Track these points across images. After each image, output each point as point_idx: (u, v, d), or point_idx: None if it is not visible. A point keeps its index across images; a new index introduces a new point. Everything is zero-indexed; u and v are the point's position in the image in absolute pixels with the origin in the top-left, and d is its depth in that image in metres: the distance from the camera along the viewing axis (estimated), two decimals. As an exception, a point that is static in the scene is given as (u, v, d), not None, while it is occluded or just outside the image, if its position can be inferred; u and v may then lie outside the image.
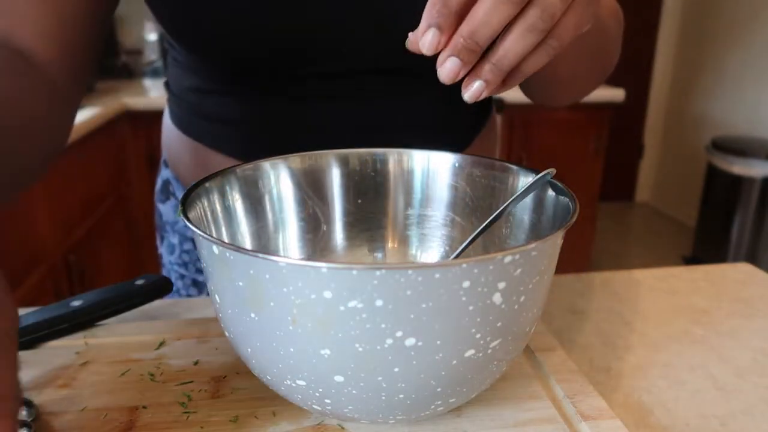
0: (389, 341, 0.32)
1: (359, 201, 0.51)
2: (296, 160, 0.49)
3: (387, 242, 0.52)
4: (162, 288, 0.54)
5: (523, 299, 0.34)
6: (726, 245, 2.78)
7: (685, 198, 3.57)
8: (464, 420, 0.40)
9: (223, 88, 0.61)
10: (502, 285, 0.32)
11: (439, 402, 0.36)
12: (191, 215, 0.39)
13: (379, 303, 0.30)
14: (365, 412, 0.36)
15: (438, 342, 0.33)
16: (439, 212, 0.51)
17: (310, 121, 0.60)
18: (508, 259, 0.32)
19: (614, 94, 2.35)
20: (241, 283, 0.34)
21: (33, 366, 0.46)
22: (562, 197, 0.41)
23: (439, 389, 0.35)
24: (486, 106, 0.71)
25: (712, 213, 2.88)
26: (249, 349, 0.37)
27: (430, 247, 0.51)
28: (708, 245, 2.92)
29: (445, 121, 0.65)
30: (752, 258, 2.72)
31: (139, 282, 0.54)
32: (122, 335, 0.50)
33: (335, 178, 0.50)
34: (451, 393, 0.36)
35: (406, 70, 0.58)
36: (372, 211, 0.51)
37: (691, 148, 3.52)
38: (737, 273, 0.70)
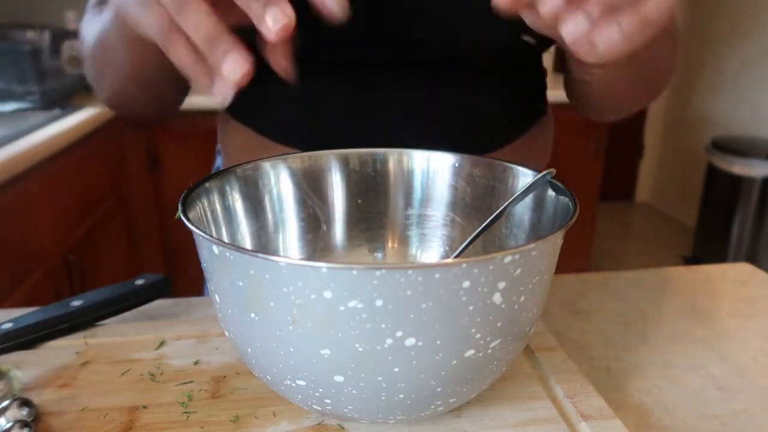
0: (389, 341, 0.32)
1: (359, 201, 0.51)
2: (296, 160, 0.49)
3: (387, 242, 0.52)
4: (162, 288, 0.54)
5: (523, 299, 0.34)
6: (726, 245, 2.78)
7: (685, 198, 3.57)
8: (464, 420, 0.40)
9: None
10: (502, 285, 0.32)
11: (439, 402, 0.36)
12: (191, 215, 0.39)
13: (379, 303, 0.31)
14: (365, 412, 0.36)
15: (438, 342, 0.33)
16: (439, 212, 0.51)
17: (373, 109, 0.60)
18: (508, 259, 0.32)
19: (614, 94, 2.35)
20: (241, 283, 0.34)
21: (33, 366, 0.46)
22: (563, 197, 0.41)
23: (439, 389, 0.35)
24: (539, 102, 0.70)
25: (712, 213, 2.88)
26: (249, 349, 0.37)
27: (430, 247, 0.51)
28: (708, 245, 2.92)
29: (502, 111, 0.64)
30: (752, 258, 2.72)
31: (139, 282, 0.54)
32: (122, 335, 0.50)
33: (335, 178, 0.51)
34: (451, 393, 0.36)
35: (472, 63, 0.59)
36: (372, 211, 0.51)
37: (691, 148, 3.52)
38: (737, 273, 0.70)
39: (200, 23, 0.34)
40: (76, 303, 0.51)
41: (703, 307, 0.62)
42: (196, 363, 0.46)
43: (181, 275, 1.13)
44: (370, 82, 0.58)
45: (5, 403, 0.39)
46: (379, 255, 0.52)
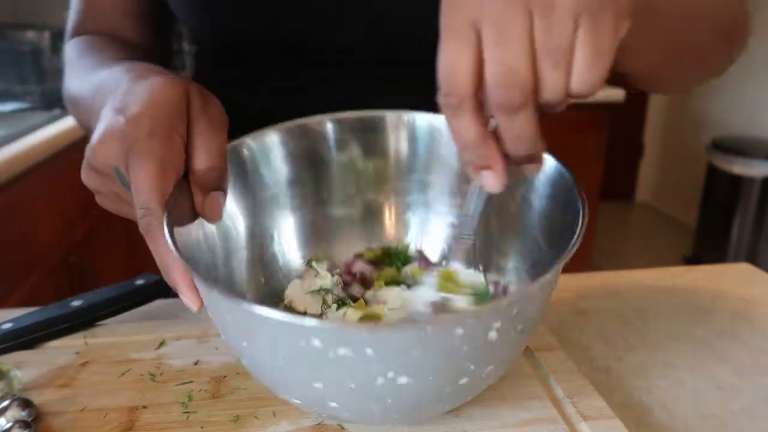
0: (381, 380, 0.32)
1: (356, 167, 0.50)
2: (287, 130, 0.48)
3: (385, 215, 0.51)
4: (162, 288, 0.54)
5: (520, 327, 0.34)
6: (726, 245, 2.78)
7: (685, 198, 3.57)
8: (464, 420, 0.40)
9: (240, 78, 0.63)
10: (497, 324, 0.32)
11: (435, 411, 0.38)
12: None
13: (369, 351, 0.30)
14: (362, 422, 0.38)
15: (430, 378, 0.33)
16: (440, 178, 0.49)
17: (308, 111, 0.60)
18: (504, 302, 0.31)
19: (614, 94, 2.35)
20: (229, 317, 0.34)
21: (33, 366, 0.46)
22: (575, 202, 0.39)
23: (433, 407, 0.36)
24: None
25: (712, 213, 2.88)
26: (245, 361, 0.37)
27: (432, 224, 0.50)
28: (708, 245, 2.91)
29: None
30: (752, 258, 2.72)
31: (139, 282, 0.54)
32: (122, 335, 0.50)
33: (327, 145, 0.49)
34: (444, 406, 0.38)
35: (406, 61, 0.59)
36: (370, 177, 0.50)
37: (691, 148, 3.52)
38: (737, 273, 0.70)
39: (158, 254, 0.38)
40: (76, 303, 0.51)
41: (703, 307, 0.62)
42: (196, 363, 0.46)
43: (181, 275, 1.12)
44: (302, 85, 0.61)
45: (5, 403, 0.39)
46: (378, 231, 0.51)
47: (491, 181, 0.34)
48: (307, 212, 0.50)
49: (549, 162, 0.42)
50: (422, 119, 0.48)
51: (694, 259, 2.98)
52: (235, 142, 0.45)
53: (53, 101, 1.79)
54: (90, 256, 1.62)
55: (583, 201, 0.38)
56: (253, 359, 0.36)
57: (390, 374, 0.31)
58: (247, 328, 0.34)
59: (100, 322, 0.52)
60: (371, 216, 0.51)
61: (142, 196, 0.37)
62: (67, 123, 1.59)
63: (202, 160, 0.40)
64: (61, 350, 0.48)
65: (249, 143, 0.46)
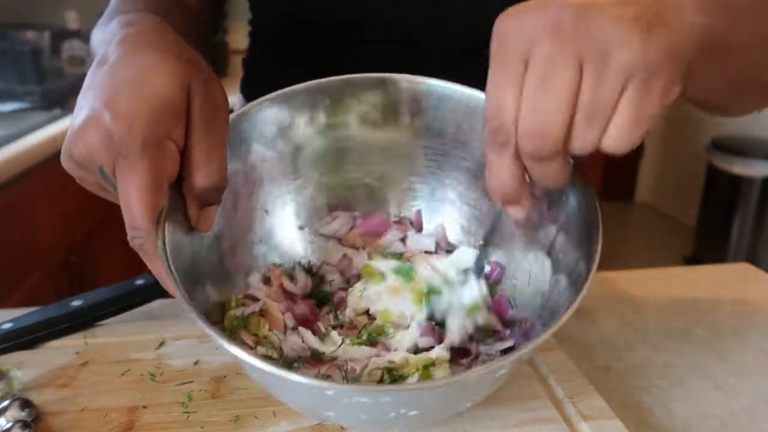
0: (393, 414, 0.34)
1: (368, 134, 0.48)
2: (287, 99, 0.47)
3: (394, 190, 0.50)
4: (162, 288, 0.54)
5: (526, 359, 0.38)
6: (726, 245, 2.77)
7: (685, 198, 3.57)
8: (464, 420, 0.40)
9: (293, 59, 0.62)
10: (502, 372, 0.35)
11: (435, 422, 0.40)
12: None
13: (386, 399, 0.32)
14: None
15: (439, 410, 0.37)
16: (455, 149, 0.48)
17: None
18: (517, 356, 0.33)
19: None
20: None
21: (33, 366, 0.46)
22: (590, 218, 0.38)
23: (434, 422, 0.40)
24: None
25: (712, 213, 2.88)
26: (256, 378, 0.40)
27: (440, 205, 0.49)
28: (708, 245, 2.91)
29: None
30: (752, 258, 2.72)
31: (139, 282, 0.54)
32: (122, 335, 0.50)
33: (347, 106, 0.48)
34: (444, 420, 0.40)
35: (465, 50, 0.57)
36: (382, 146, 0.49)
37: (691, 148, 3.52)
38: (737, 273, 0.70)
39: (154, 269, 0.38)
40: (76, 303, 0.51)
41: (703, 307, 0.62)
42: (196, 363, 0.46)
43: (181, 275, 1.12)
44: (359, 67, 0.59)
45: (5, 403, 0.39)
46: (393, 212, 0.50)
47: (517, 212, 0.34)
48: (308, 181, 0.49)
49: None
50: (439, 87, 0.46)
51: (694, 259, 2.98)
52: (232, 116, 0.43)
53: (53, 101, 1.79)
54: (90, 256, 1.62)
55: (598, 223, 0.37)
56: (265, 387, 0.39)
57: (402, 410, 0.33)
58: (257, 374, 0.36)
59: (100, 322, 0.52)
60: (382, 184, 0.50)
61: (133, 217, 0.34)
62: (67, 123, 1.58)
63: (201, 178, 0.37)
64: (61, 350, 0.48)
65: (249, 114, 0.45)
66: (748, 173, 2.66)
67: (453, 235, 0.49)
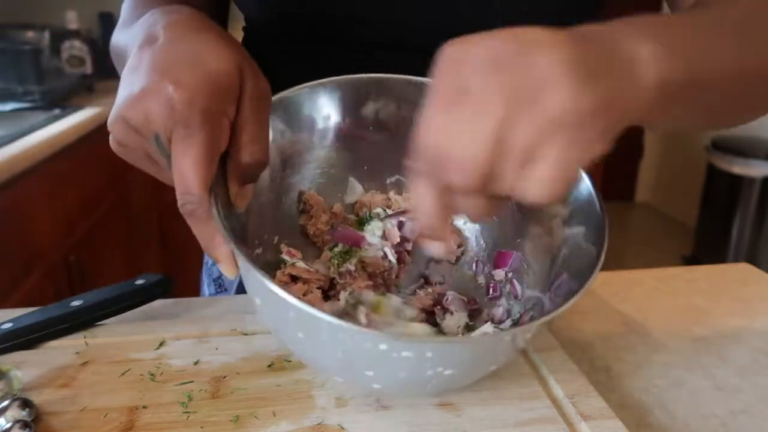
0: (430, 372, 0.35)
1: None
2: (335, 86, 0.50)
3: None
4: (162, 288, 0.54)
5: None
6: (726, 245, 2.77)
7: (685, 198, 3.57)
8: (464, 420, 0.40)
9: (286, 54, 0.63)
10: (529, 335, 0.37)
11: (460, 388, 0.42)
12: None
13: (429, 354, 0.34)
14: (394, 395, 0.42)
15: (472, 369, 0.38)
16: None
17: None
18: (544, 319, 0.35)
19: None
20: (292, 314, 0.35)
21: (33, 366, 0.46)
22: (596, 233, 0.41)
23: (461, 386, 0.42)
24: None
25: (712, 213, 2.88)
26: (291, 346, 0.40)
27: None
28: (708, 245, 2.91)
29: None
30: (752, 258, 2.72)
31: (139, 282, 0.54)
32: (122, 335, 0.50)
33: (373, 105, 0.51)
34: (469, 384, 0.42)
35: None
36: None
37: (691, 148, 3.52)
38: (737, 273, 0.70)
39: (202, 235, 0.38)
40: (76, 303, 0.51)
41: (703, 307, 0.62)
42: (196, 363, 0.46)
43: (181, 275, 1.13)
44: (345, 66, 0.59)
45: (5, 403, 0.39)
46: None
47: (436, 249, 0.35)
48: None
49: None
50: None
51: (694, 259, 2.98)
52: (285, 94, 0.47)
53: (53, 101, 1.79)
54: (90, 256, 1.62)
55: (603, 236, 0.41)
56: (304, 350, 0.39)
57: (440, 369, 0.35)
58: (308, 328, 0.35)
59: (100, 322, 0.52)
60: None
61: (188, 184, 0.36)
62: (67, 123, 1.59)
63: (248, 155, 0.38)
64: (61, 350, 0.48)
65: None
66: (748, 173, 2.66)
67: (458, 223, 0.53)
